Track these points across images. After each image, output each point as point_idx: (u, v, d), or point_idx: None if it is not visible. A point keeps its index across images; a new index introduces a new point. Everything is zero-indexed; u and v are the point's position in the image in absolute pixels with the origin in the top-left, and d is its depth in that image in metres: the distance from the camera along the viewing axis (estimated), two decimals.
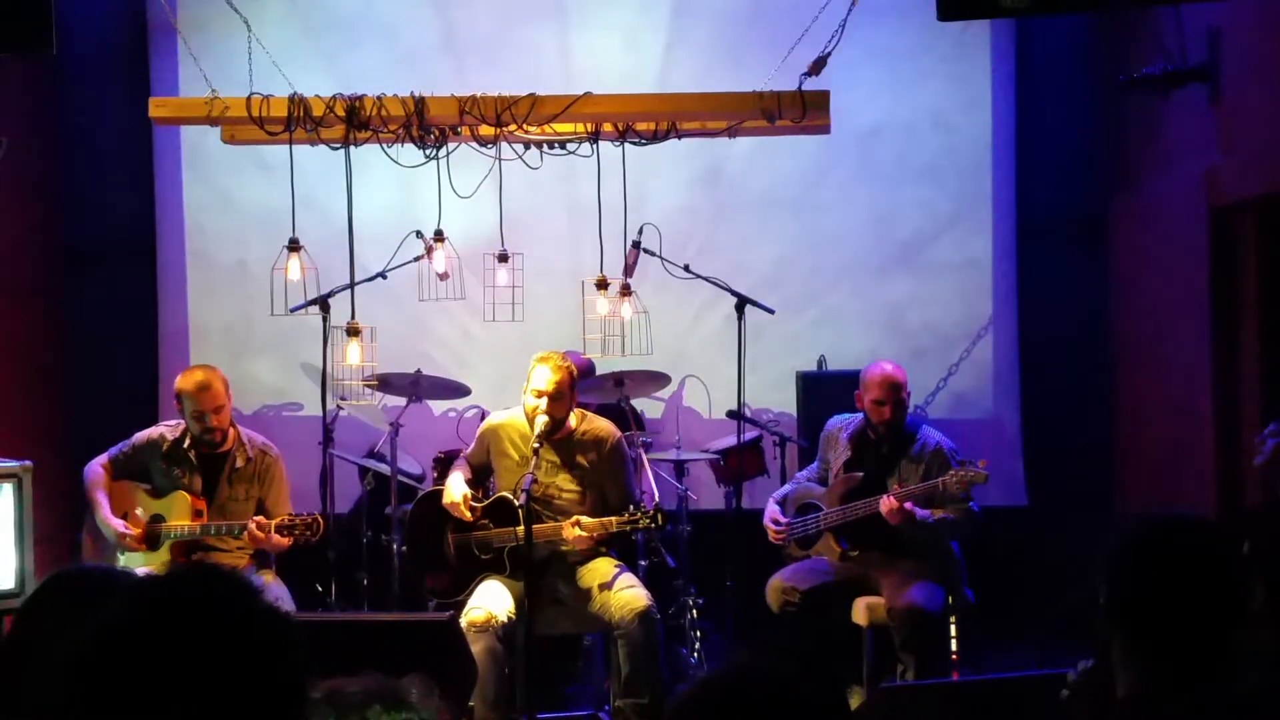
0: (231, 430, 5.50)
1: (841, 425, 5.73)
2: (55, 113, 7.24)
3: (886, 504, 5.27)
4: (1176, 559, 2.27)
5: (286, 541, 5.32)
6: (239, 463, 5.47)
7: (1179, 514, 2.39)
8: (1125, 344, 7.07)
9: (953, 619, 5.13)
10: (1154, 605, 2.26)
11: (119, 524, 5.36)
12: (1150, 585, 2.26)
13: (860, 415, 5.65)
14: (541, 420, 5.16)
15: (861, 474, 5.52)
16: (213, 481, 5.45)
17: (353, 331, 5.22)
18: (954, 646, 5.11)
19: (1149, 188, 6.71)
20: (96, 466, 5.51)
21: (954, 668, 5.09)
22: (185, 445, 5.47)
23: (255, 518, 5.29)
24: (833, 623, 5.53)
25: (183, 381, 5.47)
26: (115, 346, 7.39)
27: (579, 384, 5.45)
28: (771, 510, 5.70)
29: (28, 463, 5.54)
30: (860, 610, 5.47)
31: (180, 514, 5.36)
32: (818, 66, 5.05)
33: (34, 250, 7.08)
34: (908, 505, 5.26)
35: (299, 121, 5.10)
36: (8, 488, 5.48)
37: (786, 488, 5.86)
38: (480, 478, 5.51)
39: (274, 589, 5.33)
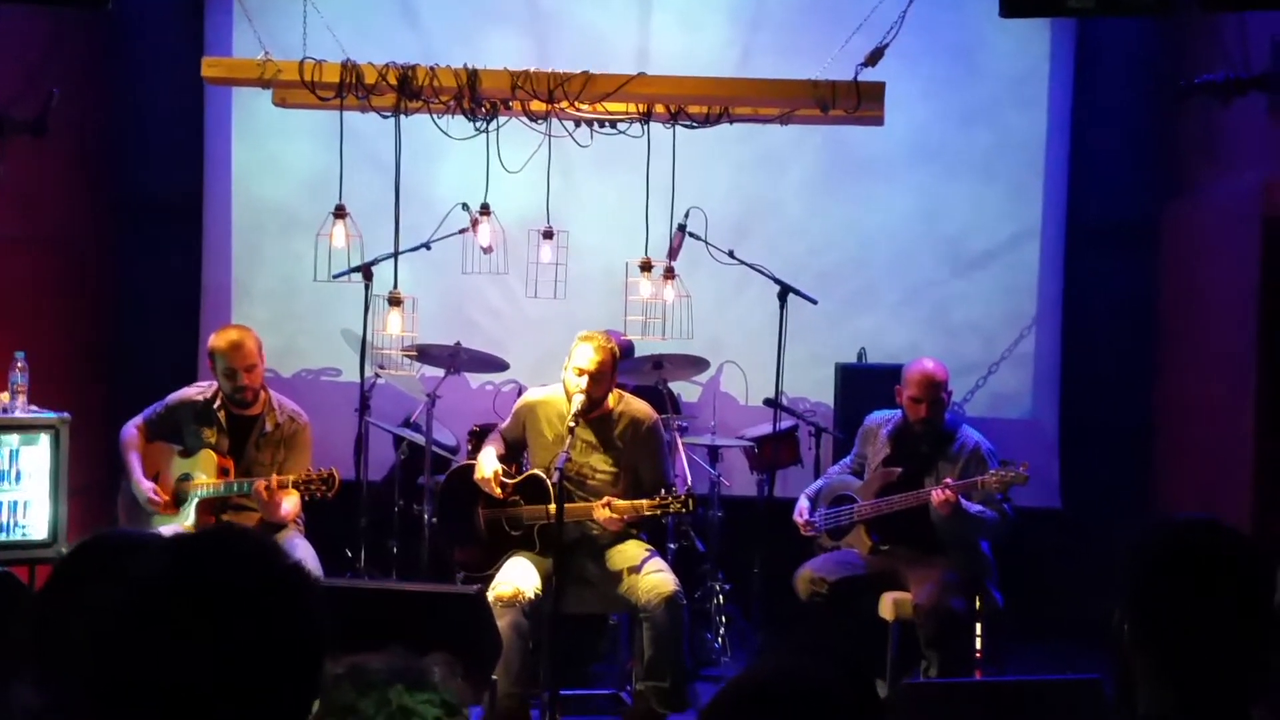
0: (263, 394, 5.52)
1: (881, 421, 5.68)
2: (108, 67, 7.27)
3: (939, 494, 5.23)
4: (1200, 570, 2.11)
5: (290, 510, 5.35)
6: (267, 427, 5.49)
7: (1203, 520, 2.20)
8: (1169, 350, 6.99)
9: (978, 619, 5.09)
10: (1175, 620, 2.10)
11: (149, 487, 5.40)
12: (1171, 599, 2.10)
13: (900, 412, 5.60)
14: (579, 399, 5.15)
15: (900, 469, 5.49)
16: (240, 444, 5.47)
17: (394, 301, 5.23)
18: (978, 646, 5.08)
19: (1204, 195, 6.62)
20: (131, 428, 5.55)
21: (977, 667, 5.06)
22: (216, 406, 5.49)
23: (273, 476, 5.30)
24: (858, 615, 5.50)
25: (216, 340, 5.48)
26: (158, 303, 7.45)
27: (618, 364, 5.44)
28: (801, 505, 5.68)
29: (65, 415, 5.60)
30: (887, 605, 5.45)
31: (207, 473, 5.40)
32: (875, 58, 4.99)
33: (81, 203, 7.12)
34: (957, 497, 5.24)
35: (351, 88, 5.09)
36: (45, 439, 5.53)
37: (819, 482, 5.83)
38: (514, 453, 5.51)
39: (298, 545, 5.34)
